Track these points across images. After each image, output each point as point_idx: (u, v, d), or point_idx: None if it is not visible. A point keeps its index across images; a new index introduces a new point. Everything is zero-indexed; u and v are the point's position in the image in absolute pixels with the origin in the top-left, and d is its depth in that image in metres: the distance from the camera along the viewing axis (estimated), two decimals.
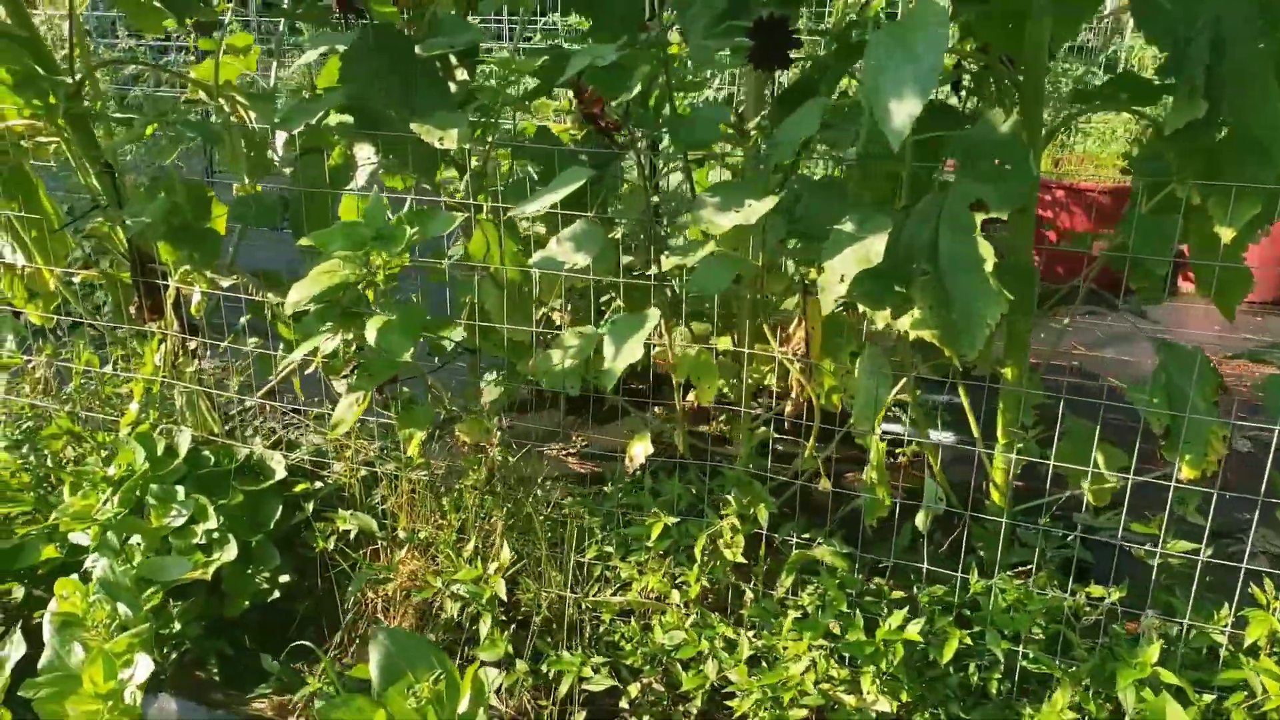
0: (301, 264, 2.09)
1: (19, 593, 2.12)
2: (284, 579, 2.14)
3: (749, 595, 1.87)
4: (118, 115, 2.05)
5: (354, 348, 1.92)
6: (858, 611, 1.66)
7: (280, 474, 2.15)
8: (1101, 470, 1.81)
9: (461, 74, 1.81)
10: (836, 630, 1.68)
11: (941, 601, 1.74)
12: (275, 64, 2.44)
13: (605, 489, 2.11)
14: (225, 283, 2.10)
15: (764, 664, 1.73)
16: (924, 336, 1.42)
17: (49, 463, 2.31)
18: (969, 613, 1.71)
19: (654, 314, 1.49)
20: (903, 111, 1.13)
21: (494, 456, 2.24)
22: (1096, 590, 1.70)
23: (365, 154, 1.92)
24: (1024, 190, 1.38)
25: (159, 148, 1.83)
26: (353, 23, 1.72)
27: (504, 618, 1.91)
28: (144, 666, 1.46)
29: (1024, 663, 1.67)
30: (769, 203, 1.37)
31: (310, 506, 2.14)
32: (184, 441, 2.16)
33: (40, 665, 1.41)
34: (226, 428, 2.33)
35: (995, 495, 1.93)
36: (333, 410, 2.26)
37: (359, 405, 1.82)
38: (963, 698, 1.66)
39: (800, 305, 1.93)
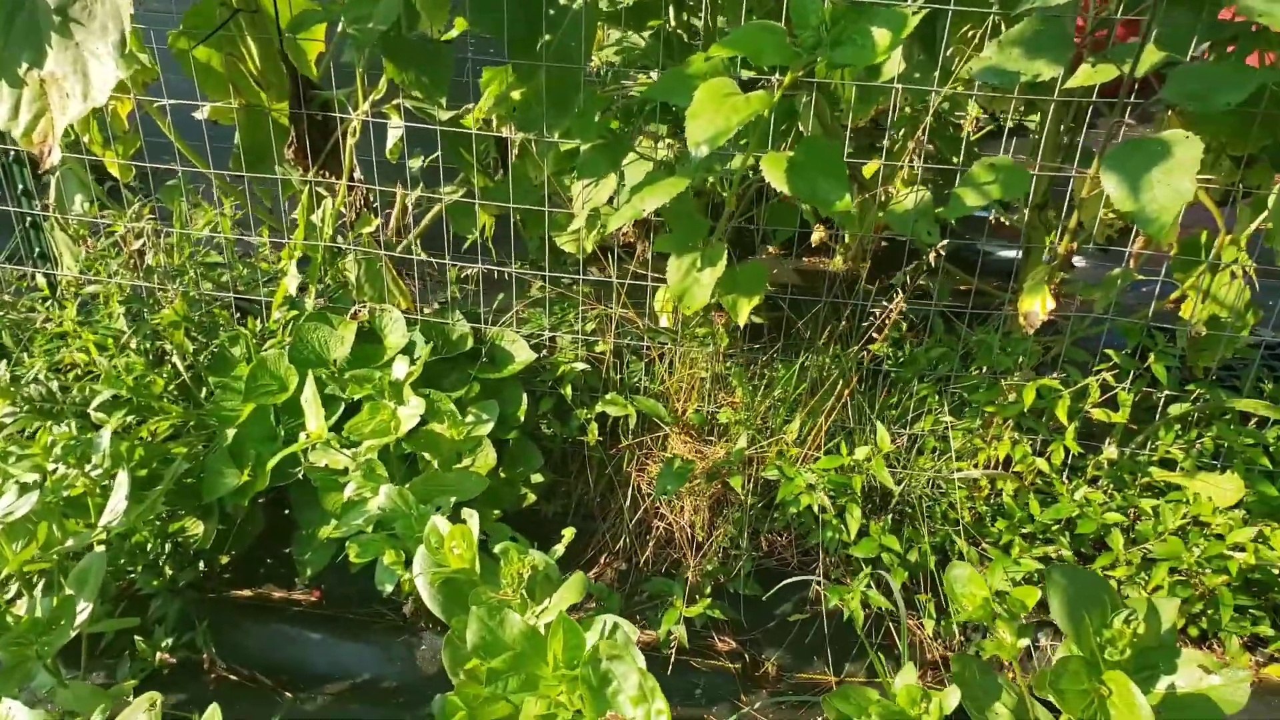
0: None
1: (198, 529, 1.67)
2: (536, 479, 1.79)
3: (1107, 454, 1.70)
4: None
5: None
6: None
7: (524, 356, 1.75)
8: None
9: None
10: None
11: None
12: None
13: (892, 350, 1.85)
14: (445, 115, 1.60)
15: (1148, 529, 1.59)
16: None
17: (176, 358, 1.80)
18: None
19: (1188, 138, 1.18)
20: None
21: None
22: None
23: None
24: None
25: None
26: None
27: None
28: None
29: None
30: None
31: (568, 391, 1.76)
32: (395, 324, 1.72)
33: (471, 644, 1.06)
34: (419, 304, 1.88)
35: None
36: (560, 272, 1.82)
37: (697, 271, 1.44)
38: None
39: None
